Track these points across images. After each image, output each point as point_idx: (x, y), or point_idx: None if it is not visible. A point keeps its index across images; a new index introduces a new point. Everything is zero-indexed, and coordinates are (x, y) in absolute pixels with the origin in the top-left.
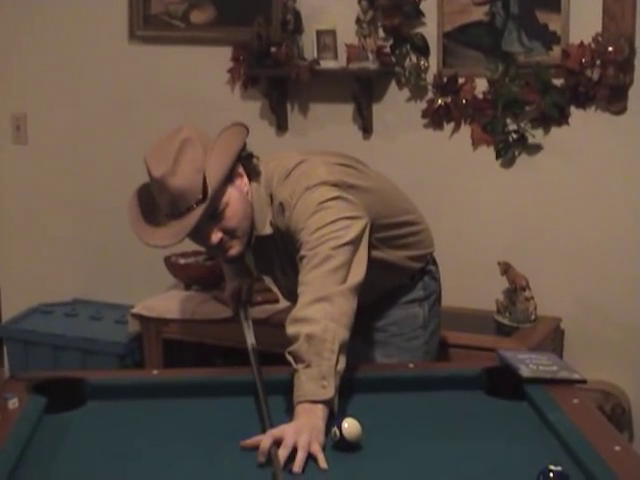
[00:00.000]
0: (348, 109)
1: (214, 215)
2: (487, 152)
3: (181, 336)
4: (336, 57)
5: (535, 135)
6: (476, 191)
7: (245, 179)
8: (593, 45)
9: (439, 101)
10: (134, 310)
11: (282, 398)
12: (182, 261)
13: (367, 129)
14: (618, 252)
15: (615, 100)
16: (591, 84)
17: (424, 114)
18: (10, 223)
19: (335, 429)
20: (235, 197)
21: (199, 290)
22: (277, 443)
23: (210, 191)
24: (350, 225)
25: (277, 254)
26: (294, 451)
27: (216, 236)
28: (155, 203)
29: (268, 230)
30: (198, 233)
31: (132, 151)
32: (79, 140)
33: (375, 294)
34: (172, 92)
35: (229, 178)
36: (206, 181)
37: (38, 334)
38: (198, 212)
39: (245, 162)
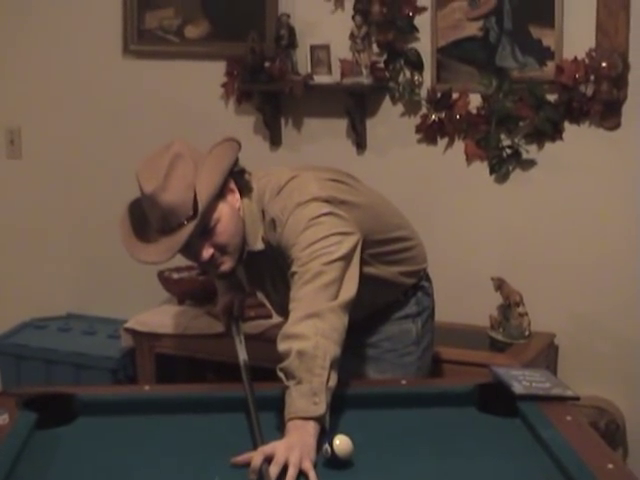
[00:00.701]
0: (342, 124)
1: (205, 231)
2: (481, 167)
3: (174, 351)
4: (330, 72)
5: (529, 150)
6: (470, 206)
7: (237, 195)
8: (587, 60)
9: (433, 116)
10: (127, 325)
11: (273, 414)
12: (175, 276)
13: (361, 144)
14: (612, 267)
15: (609, 116)
16: (585, 99)
17: (418, 129)
18: (4, 237)
19: (326, 446)
20: (226, 213)
21: (192, 305)
22: (268, 460)
23: (201, 207)
24: (342, 241)
25: (269, 270)
26: (285, 468)
27: (207, 252)
28: (146, 219)
29: (260, 246)
30: (189, 249)
31: (126, 165)
32: (73, 154)
33: (368, 310)
34: (166, 106)
35: (220, 194)
36: (197, 197)
37: (31, 349)
38: (189, 228)
39: (237, 178)
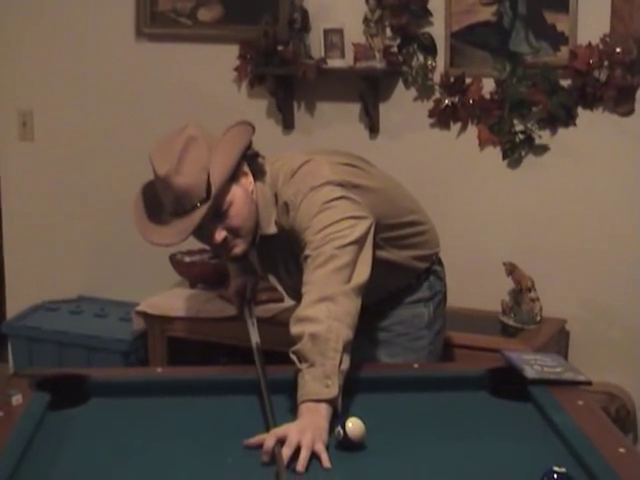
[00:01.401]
0: (355, 108)
1: (218, 214)
2: (494, 152)
3: (186, 334)
4: (343, 56)
5: (542, 136)
6: (482, 191)
7: (250, 178)
8: (601, 46)
9: (446, 101)
10: (139, 308)
11: (286, 397)
12: (187, 259)
13: (374, 128)
14: (624, 254)
15: (622, 101)
16: (598, 85)
17: (431, 114)
18: (16, 220)
19: (339, 428)
20: (239, 196)
21: (204, 288)
22: (280, 442)
23: (214, 190)
24: (355, 225)
25: (281, 253)
26: (297, 450)
27: (220, 235)
28: (159, 201)
29: (272, 229)
30: (202, 232)
31: (138, 148)
32: (85, 137)
33: (380, 294)
34: (178, 90)
35: (234, 177)
36: (210, 180)
37: (43, 331)
38: (202, 211)
39: (250, 161)
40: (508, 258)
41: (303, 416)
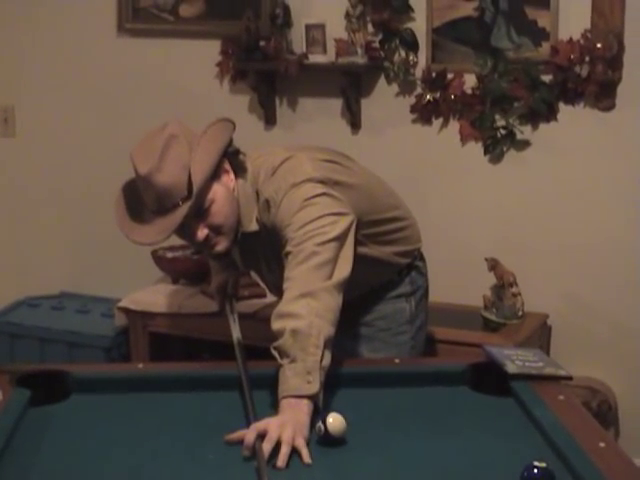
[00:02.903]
0: (336, 104)
1: (200, 212)
2: (475, 148)
3: (168, 330)
4: (325, 51)
5: (523, 131)
6: (464, 187)
7: (231, 175)
8: (582, 41)
9: (428, 96)
10: (121, 303)
11: (267, 392)
12: (169, 255)
13: (355, 124)
14: (606, 248)
15: (604, 97)
16: (580, 80)
17: (413, 109)
18: None
19: (320, 424)
20: (221, 194)
21: (186, 284)
22: (261, 436)
23: (195, 188)
24: (336, 221)
25: (263, 250)
26: (278, 446)
27: (202, 233)
28: (141, 200)
29: (254, 227)
30: (184, 230)
31: (120, 144)
32: (67, 133)
33: (362, 289)
34: (160, 85)
35: (215, 175)
36: (191, 178)
37: (24, 327)
38: (184, 209)
39: (231, 158)
40: (490, 253)
41: (284, 411)
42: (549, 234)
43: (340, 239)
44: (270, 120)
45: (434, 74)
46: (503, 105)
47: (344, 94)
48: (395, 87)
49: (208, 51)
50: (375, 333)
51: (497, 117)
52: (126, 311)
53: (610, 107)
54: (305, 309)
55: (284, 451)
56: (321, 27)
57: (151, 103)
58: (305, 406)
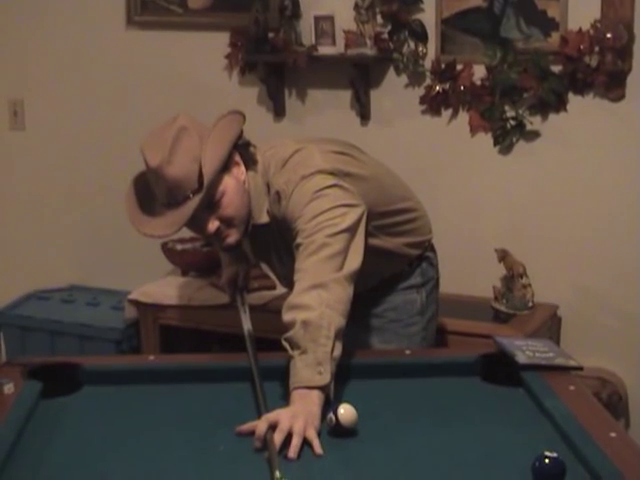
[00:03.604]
0: (346, 95)
1: (211, 204)
2: (485, 139)
3: (178, 322)
4: (334, 43)
5: (533, 122)
6: (474, 178)
7: (242, 168)
8: (592, 31)
9: (437, 87)
10: (131, 296)
11: (278, 384)
12: (179, 247)
13: (365, 115)
14: (616, 239)
15: (613, 87)
16: (589, 71)
17: (422, 100)
18: (7, 209)
19: (331, 415)
20: (232, 186)
21: (196, 276)
22: (272, 428)
23: (206, 180)
24: (347, 213)
25: (274, 242)
26: (289, 437)
27: (213, 225)
28: (152, 192)
29: (265, 219)
30: (195, 222)
31: (129, 136)
32: (76, 126)
33: (373, 281)
34: (169, 78)
35: (225, 167)
36: (202, 170)
37: (35, 320)
38: (194, 202)
39: (242, 150)
40: (500, 244)
41: (295, 403)
42: (559, 225)
43: (351, 230)
44: (279, 112)
45: (443, 65)
46: (512, 96)
47: (353, 86)
48: (404, 78)
49: (217, 43)
50: (386, 324)
51: (506, 108)
52: (136, 304)
53: (620, 97)
54: (316, 300)
55: (295, 442)
56: (330, 19)
57: (160, 96)
58: (316, 397)
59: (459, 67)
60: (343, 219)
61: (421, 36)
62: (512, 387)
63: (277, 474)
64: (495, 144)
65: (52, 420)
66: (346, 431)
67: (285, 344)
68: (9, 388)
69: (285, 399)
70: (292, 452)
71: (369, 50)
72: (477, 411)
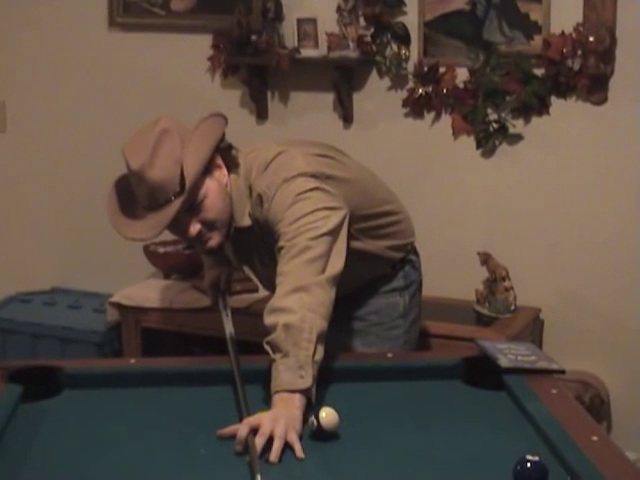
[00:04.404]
0: (328, 98)
1: (192, 207)
2: (467, 142)
3: (160, 325)
4: (317, 45)
5: (515, 125)
6: (456, 181)
7: (224, 170)
8: (574, 35)
9: (420, 90)
10: (113, 299)
11: (260, 387)
12: (161, 250)
13: (347, 118)
14: (598, 242)
15: (596, 90)
16: (572, 74)
17: (405, 103)
18: None
19: (312, 418)
20: (213, 189)
21: (178, 279)
22: (254, 431)
23: (188, 183)
24: (329, 216)
25: (256, 245)
26: (271, 441)
27: (194, 228)
28: (133, 195)
29: (247, 222)
30: (177, 225)
31: (112, 139)
32: (58, 128)
33: (355, 283)
34: (152, 80)
35: (207, 170)
36: (184, 173)
37: (16, 323)
38: (176, 205)
39: (224, 153)
40: (482, 247)
41: (277, 406)
42: (541, 228)
43: (333, 233)
44: (262, 114)
45: (426, 68)
46: (495, 99)
47: (336, 88)
48: (387, 81)
49: (199, 45)
50: (368, 327)
51: (489, 111)
52: (118, 306)
53: (602, 101)
54: (298, 303)
55: (277, 446)
56: (313, 21)
57: (142, 97)
58: (298, 400)
59: (442, 70)
60: (325, 222)
61: (404, 39)
62: (494, 390)
63: (258, 478)
64: (478, 147)
65: (32, 424)
66: (328, 434)
67: (267, 347)
68: None
69: (267, 402)
70: (273, 456)
71: (352, 53)
72: (459, 414)
